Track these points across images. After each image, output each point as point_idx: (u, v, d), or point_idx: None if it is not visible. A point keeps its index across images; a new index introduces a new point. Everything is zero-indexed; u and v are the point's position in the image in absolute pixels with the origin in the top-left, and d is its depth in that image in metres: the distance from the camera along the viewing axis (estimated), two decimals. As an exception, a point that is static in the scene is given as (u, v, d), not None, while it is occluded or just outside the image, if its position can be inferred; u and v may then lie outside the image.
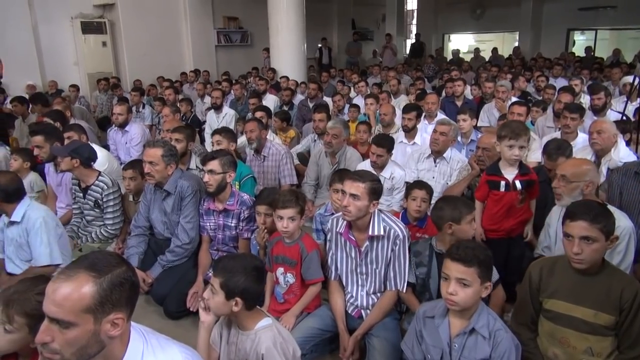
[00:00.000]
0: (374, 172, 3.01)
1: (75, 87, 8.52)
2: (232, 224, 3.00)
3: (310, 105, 6.67)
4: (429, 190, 2.98)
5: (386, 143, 3.71)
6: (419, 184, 3.02)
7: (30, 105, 6.22)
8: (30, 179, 3.98)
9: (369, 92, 6.83)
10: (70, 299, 1.19)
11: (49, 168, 3.85)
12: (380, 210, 2.46)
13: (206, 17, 11.37)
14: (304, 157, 4.84)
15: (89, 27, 9.66)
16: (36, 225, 2.74)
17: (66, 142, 3.73)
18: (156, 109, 6.74)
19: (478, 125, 5.17)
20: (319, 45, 13.30)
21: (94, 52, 9.85)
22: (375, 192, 2.36)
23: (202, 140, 5.99)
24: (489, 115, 5.56)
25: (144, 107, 6.91)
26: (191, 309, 2.84)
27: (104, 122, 7.70)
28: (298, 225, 2.51)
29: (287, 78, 8.10)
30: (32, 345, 1.68)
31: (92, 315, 1.21)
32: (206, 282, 2.97)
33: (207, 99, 7.45)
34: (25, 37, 8.96)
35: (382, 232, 2.38)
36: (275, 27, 8.83)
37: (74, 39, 9.73)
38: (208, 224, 3.07)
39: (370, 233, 2.39)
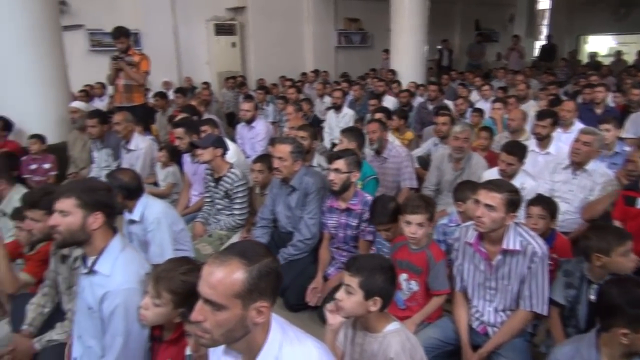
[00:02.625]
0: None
1: (206, 85, 9.19)
2: (354, 224, 3.00)
3: (430, 108, 6.51)
4: (547, 205, 2.72)
5: (518, 151, 3.48)
6: (535, 200, 2.79)
7: (172, 98, 6.82)
8: (170, 170, 4.37)
9: (494, 96, 6.49)
10: (223, 283, 1.25)
11: (186, 158, 4.18)
12: (516, 223, 2.30)
13: (328, 19, 11.63)
14: (425, 161, 4.72)
15: (221, 29, 10.38)
16: (152, 226, 2.85)
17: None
18: (278, 107, 7.04)
19: (623, 136, 4.65)
20: (439, 46, 12.94)
21: (224, 52, 10.55)
22: (513, 203, 2.21)
23: (321, 139, 6.13)
24: (637, 126, 4.98)
25: (267, 105, 7.24)
26: (310, 304, 2.90)
27: (229, 118, 8.23)
28: (426, 232, 2.43)
29: (399, 83, 7.99)
30: (175, 320, 1.82)
31: (241, 300, 1.26)
32: (325, 279, 3.03)
33: (327, 99, 7.61)
34: (167, 38, 9.87)
35: (517, 247, 2.22)
36: (397, 29, 8.77)
37: (207, 40, 10.51)
38: (330, 222, 3.11)
39: (504, 246, 2.24)
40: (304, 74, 10.47)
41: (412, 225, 2.39)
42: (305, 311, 2.96)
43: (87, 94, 7.73)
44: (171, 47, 9.96)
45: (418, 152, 5.02)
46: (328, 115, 6.31)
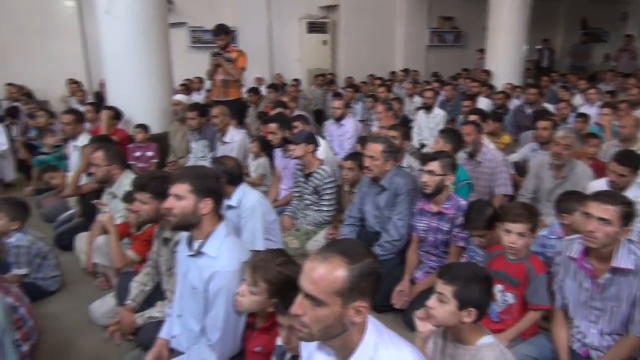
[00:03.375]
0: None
1: (296, 82, 9.38)
2: (446, 229, 2.91)
3: (528, 111, 6.15)
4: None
5: (632, 161, 3.18)
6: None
7: (266, 93, 7.05)
8: (261, 162, 4.51)
9: (601, 101, 5.99)
10: (325, 280, 1.25)
11: (278, 153, 4.29)
12: (629, 240, 2.10)
13: (421, 17, 11.41)
14: (521, 167, 4.47)
15: (313, 27, 10.55)
16: (247, 213, 2.95)
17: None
18: (367, 105, 7.01)
19: None
20: (539, 47, 12.21)
21: (315, 50, 10.71)
22: (628, 217, 2.03)
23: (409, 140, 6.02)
24: None
25: (356, 103, 7.25)
26: (395, 306, 2.85)
27: (317, 115, 8.34)
28: (527, 244, 2.29)
29: (490, 87, 7.61)
30: (268, 309, 1.87)
31: (341, 298, 1.26)
32: (412, 282, 2.96)
33: (416, 99, 7.46)
34: (261, 36, 10.20)
35: (630, 266, 2.03)
36: (495, 28, 8.39)
37: (299, 38, 10.73)
38: (420, 225, 3.03)
39: (614, 265, 2.06)
40: (393, 73, 10.36)
41: (512, 235, 2.26)
42: (390, 313, 2.92)
43: (187, 88, 8.18)
44: (265, 45, 10.29)
45: (514, 157, 4.76)
46: (418, 115, 6.18)
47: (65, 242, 3.77)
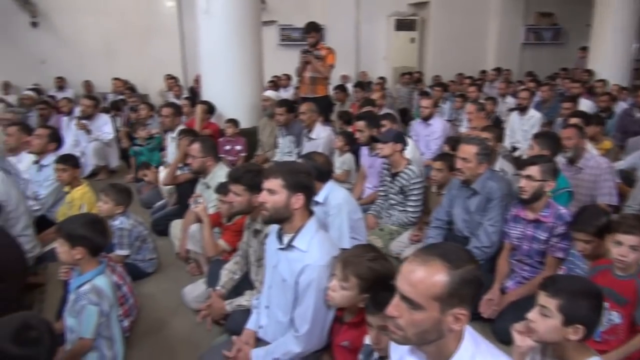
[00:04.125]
0: None
1: (382, 80, 9.29)
2: (542, 237, 2.72)
3: (637, 115, 5.63)
4: None
5: None
6: None
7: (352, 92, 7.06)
8: (346, 158, 4.51)
9: None
10: (423, 283, 1.22)
11: (364, 150, 4.27)
12: None
13: (516, 13, 10.85)
14: (628, 176, 4.10)
15: (402, 25, 10.40)
16: (333, 211, 2.95)
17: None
18: (455, 105, 6.79)
19: None
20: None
21: (402, 48, 10.56)
22: None
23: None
24: None
25: (444, 102, 7.04)
26: (483, 315, 2.73)
27: (402, 114, 8.20)
28: (639, 258, 2.09)
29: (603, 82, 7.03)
30: (358, 305, 1.86)
31: (439, 303, 1.22)
32: (502, 292, 2.82)
33: (509, 99, 7.10)
34: (348, 33, 10.24)
35: None
36: (600, 24, 7.78)
37: (386, 35, 10.63)
38: (513, 232, 2.87)
39: None
40: (483, 71, 9.94)
41: (623, 247, 2.07)
42: (477, 322, 2.79)
43: (275, 84, 8.40)
44: (351, 42, 10.32)
45: (621, 164, 4.38)
46: (511, 116, 5.87)
47: (160, 228, 4.01)
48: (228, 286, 2.72)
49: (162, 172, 4.79)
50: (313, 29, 5.68)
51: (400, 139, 3.56)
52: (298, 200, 2.00)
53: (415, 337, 1.27)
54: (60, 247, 2.08)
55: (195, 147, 3.39)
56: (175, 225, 3.77)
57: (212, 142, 3.55)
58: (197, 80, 9.12)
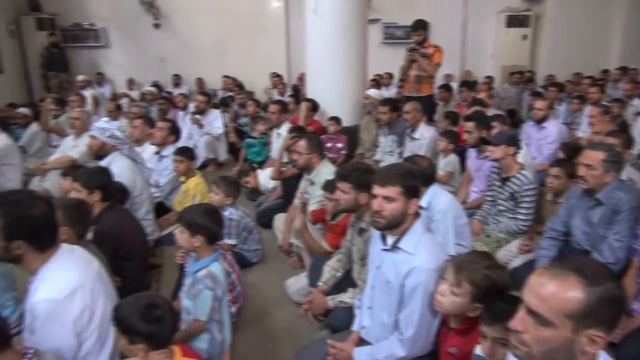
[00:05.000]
0: None
1: (489, 79, 8.87)
2: (680, 258, 2.43)
3: None
4: None
5: None
6: None
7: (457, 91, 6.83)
8: (450, 159, 4.37)
9: None
10: (555, 298, 1.13)
11: (472, 153, 4.10)
12: None
13: (646, 6, 9.78)
14: None
15: (513, 21, 9.83)
16: (438, 216, 2.87)
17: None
18: (572, 107, 6.28)
19: None
20: None
21: (512, 45, 9.99)
22: None
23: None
24: None
25: (560, 104, 6.55)
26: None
27: (509, 116, 7.76)
28: None
29: None
30: (469, 314, 1.78)
31: (572, 322, 1.13)
32: (627, 314, 2.55)
33: (636, 102, 6.43)
34: (454, 30, 9.90)
35: None
36: None
37: (495, 32, 10.12)
38: (644, 249, 2.59)
39: None
40: (605, 71, 9.09)
41: None
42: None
43: (377, 83, 8.36)
44: (457, 40, 9.97)
45: None
46: (639, 121, 5.31)
47: (264, 220, 4.17)
48: (330, 283, 2.75)
49: (261, 175, 4.99)
50: (421, 26, 5.56)
51: (513, 141, 3.37)
52: (413, 205, 1.97)
53: (542, 355, 1.18)
54: (181, 234, 2.23)
55: (301, 144, 3.47)
56: (279, 219, 3.89)
57: (317, 140, 3.61)
58: (300, 78, 9.38)
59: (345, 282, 2.74)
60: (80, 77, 8.93)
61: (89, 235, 2.67)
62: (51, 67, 9.53)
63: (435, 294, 1.83)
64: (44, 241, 1.87)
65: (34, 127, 5.80)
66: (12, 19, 9.53)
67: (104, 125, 3.53)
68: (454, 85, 8.01)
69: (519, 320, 1.19)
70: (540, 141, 4.94)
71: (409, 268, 1.93)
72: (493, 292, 1.71)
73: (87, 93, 7.40)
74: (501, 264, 1.83)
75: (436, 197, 2.94)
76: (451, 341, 1.87)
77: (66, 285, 1.84)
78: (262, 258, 3.62)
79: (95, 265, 2.09)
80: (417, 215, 2.05)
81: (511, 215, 3.45)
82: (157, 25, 10.27)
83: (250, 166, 5.69)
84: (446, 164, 4.39)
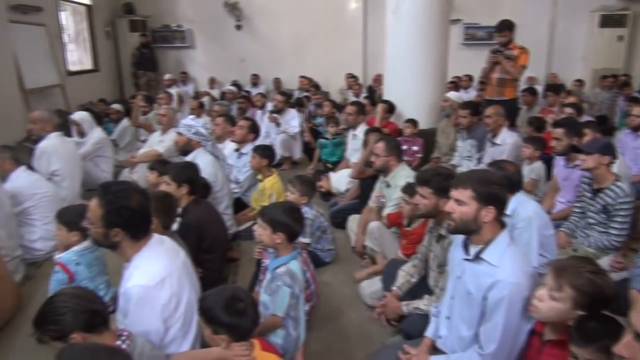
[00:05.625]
0: None
1: (579, 82, 8.34)
2: None
3: None
4: None
5: None
6: None
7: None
8: (535, 166, 4.16)
9: None
10: None
11: (559, 161, 3.88)
12: None
13: None
14: None
15: (608, 20, 9.19)
16: (522, 224, 2.76)
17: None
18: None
19: None
20: None
21: (606, 47, 9.33)
22: None
23: None
24: None
25: (659, 111, 6.01)
26: None
27: (600, 122, 7.25)
28: None
29: None
30: (569, 322, 1.67)
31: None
32: None
33: None
34: (541, 31, 9.41)
35: None
36: None
37: (587, 33, 9.50)
38: None
39: None
40: None
41: None
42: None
43: (455, 85, 8.14)
44: (544, 41, 9.46)
45: None
46: None
47: (338, 221, 4.18)
48: (404, 288, 2.71)
49: (333, 178, 5.01)
50: (507, 27, 5.34)
51: (608, 150, 3.14)
52: (488, 213, 1.88)
53: None
54: (263, 230, 2.29)
55: (380, 146, 3.45)
56: (353, 220, 3.90)
57: (396, 142, 3.57)
58: (376, 80, 9.34)
59: (420, 288, 2.69)
60: (166, 76, 9.47)
61: (174, 227, 2.82)
62: (141, 66, 10.16)
63: (532, 299, 1.74)
64: (139, 230, 2.00)
65: (125, 122, 6.21)
66: (109, 21, 10.27)
67: (190, 123, 3.70)
68: (539, 88, 7.61)
69: (625, 346, 1.12)
70: (636, 150, 4.59)
71: (492, 281, 1.85)
72: (599, 300, 1.59)
73: (173, 91, 7.81)
74: (606, 272, 1.69)
75: (521, 205, 2.82)
76: (546, 355, 1.76)
77: (157, 273, 1.95)
78: (335, 258, 3.63)
79: (182, 256, 2.20)
80: (502, 226, 1.97)
81: (602, 230, 3.22)
82: (238, 27, 10.63)
83: (325, 166, 5.75)
84: (530, 171, 4.18)
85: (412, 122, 5.43)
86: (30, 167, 3.93)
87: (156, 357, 1.87)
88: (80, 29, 9.47)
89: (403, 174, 3.38)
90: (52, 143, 4.29)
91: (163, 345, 1.99)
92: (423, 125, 5.60)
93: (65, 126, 5.17)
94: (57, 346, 1.58)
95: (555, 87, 6.83)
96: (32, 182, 3.69)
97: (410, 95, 5.72)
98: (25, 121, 6.04)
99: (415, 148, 5.42)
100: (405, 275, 2.75)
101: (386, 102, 5.63)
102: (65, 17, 8.81)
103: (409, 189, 2.87)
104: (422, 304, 2.49)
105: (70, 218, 2.59)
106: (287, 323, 2.29)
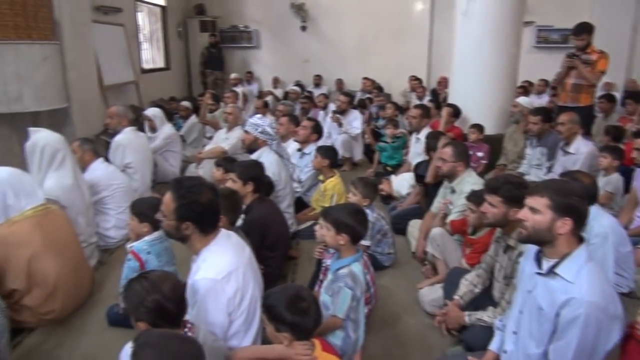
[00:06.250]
0: None
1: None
2: None
3: None
4: None
5: None
6: None
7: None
8: (612, 178, 3.93)
9: None
10: None
11: (639, 173, 3.64)
12: None
13: None
14: None
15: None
16: (596, 240, 2.66)
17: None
18: None
19: None
20: None
21: (695, 52, 8.63)
22: None
23: None
24: None
25: None
26: None
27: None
28: None
29: None
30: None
31: None
32: None
33: None
34: (623, 34, 8.83)
35: None
36: None
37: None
38: None
39: None
40: None
41: None
42: None
43: (525, 89, 7.82)
44: (624, 45, 8.87)
45: None
46: None
47: (398, 226, 4.10)
48: (467, 298, 2.64)
49: (395, 181, 4.94)
50: (586, 30, 5.06)
51: None
52: (565, 224, 1.79)
53: None
54: (326, 231, 2.30)
55: (447, 150, 3.37)
56: (414, 225, 3.84)
57: (464, 148, 3.48)
58: (440, 82, 9.15)
59: (483, 299, 2.60)
60: (233, 75, 9.75)
61: (238, 223, 2.89)
62: (209, 65, 10.51)
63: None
64: (208, 225, 2.07)
65: (193, 119, 6.46)
66: (181, 21, 10.71)
67: (257, 122, 3.78)
68: (617, 95, 7.16)
69: None
70: None
71: (566, 297, 1.76)
72: None
73: (239, 90, 8.02)
74: None
75: (596, 219, 2.68)
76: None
77: (224, 267, 2.01)
78: (394, 262, 3.59)
79: (248, 252, 2.25)
80: (580, 240, 1.87)
81: (687, 249, 2.99)
82: (304, 28, 10.76)
83: (384, 169, 5.70)
84: (607, 183, 3.94)
85: (478, 127, 5.27)
86: (107, 159, 4.16)
87: (218, 348, 1.92)
88: (154, 29, 9.93)
89: (469, 180, 3.29)
90: (127, 137, 4.53)
91: (226, 338, 2.06)
92: (489, 130, 5.42)
93: (138, 121, 5.44)
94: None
95: (635, 95, 6.41)
96: (109, 174, 3.91)
97: (478, 99, 5.55)
98: (103, 115, 6.43)
99: (480, 154, 5.25)
100: (469, 284, 2.67)
101: (451, 105, 5.50)
102: (142, 18, 9.27)
103: (474, 197, 2.78)
104: (486, 315, 2.41)
105: (142, 210, 2.72)
106: (347, 325, 2.29)
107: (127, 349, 1.92)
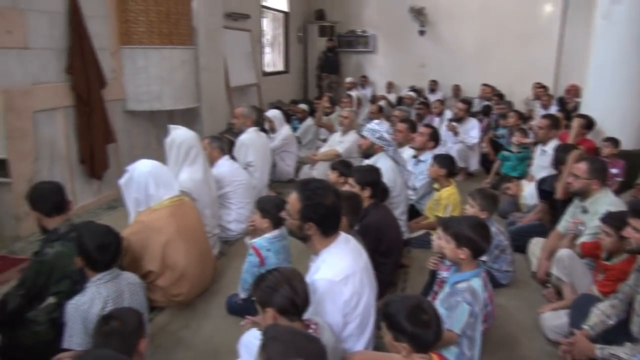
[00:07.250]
0: None
1: None
2: None
3: None
4: None
5: None
6: None
7: None
8: None
9: None
10: None
11: None
12: None
13: None
14: None
15: None
16: None
17: None
18: None
19: None
20: None
21: None
22: None
23: None
24: None
25: None
26: None
27: None
28: None
29: None
30: None
31: None
32: None
33: None
34: None
35: None
36: None
37: None
38: None
39: None
40: None
41: None
42: None
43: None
44: None
45: None
46: None
47: (518, 243, 3.82)
48: (597, 329, 2.41)
49: (526, 187, 4.65)
50: None
51: None
52: None
53: None
54: (446, 244, 2.24)
55: (582, 166, 3.10)
56: (536, 243, 3.60)
57: (602, 164, 3.17)
58: (569, 91, 8.45)
59: (618, 333, 2.35)
60: (348, 79, 9.89)
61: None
62: (325, 69, 10.78)
63: None
64: (330, 227, 2.12)
65: (309, 121, 6.66)
66: (301, 26, 11.11)
67: (375, 127, 3.80)
68: None
69: None
70: None
71: None
72: None
73: (353, 94, 8.12)
74: None
75: None
76: None
77: (342, 270, 2.05)
78: (512, 281, 3.39)
79: (365, 257, 2.27)
80: None
81: None
82: (422, 32, 10.58)
83: (505, 180, 5.41)
84: None
85: (613, 140, 4.79)
86: (232, 157, 4.45)
87: (336, 349, 1.96)
88: (276, 34, 10.42)
89: (605, 201, 3.00)
90: (250, 137, 4.81)
91: (340, 340, 2.09)
92: (627, 145, 4.91)
93: (260, 122, 5.75)
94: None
95: None
96: (233, 170, 4.18)
97: (616, 111, 5.05)
98: (227, 115, 6.90)
99: (614, 171, 4.75)
100: (601, 314, 2.43)
101: (584, 116, 5.05)
102: (266, 23, 9.77)
103: (610, 220, 2.53)
104: (622, 351, 2.18)
105: (266, 206, 2.87)
106: (462, 341, 2.21)
107: (247, 337, 2.05)
